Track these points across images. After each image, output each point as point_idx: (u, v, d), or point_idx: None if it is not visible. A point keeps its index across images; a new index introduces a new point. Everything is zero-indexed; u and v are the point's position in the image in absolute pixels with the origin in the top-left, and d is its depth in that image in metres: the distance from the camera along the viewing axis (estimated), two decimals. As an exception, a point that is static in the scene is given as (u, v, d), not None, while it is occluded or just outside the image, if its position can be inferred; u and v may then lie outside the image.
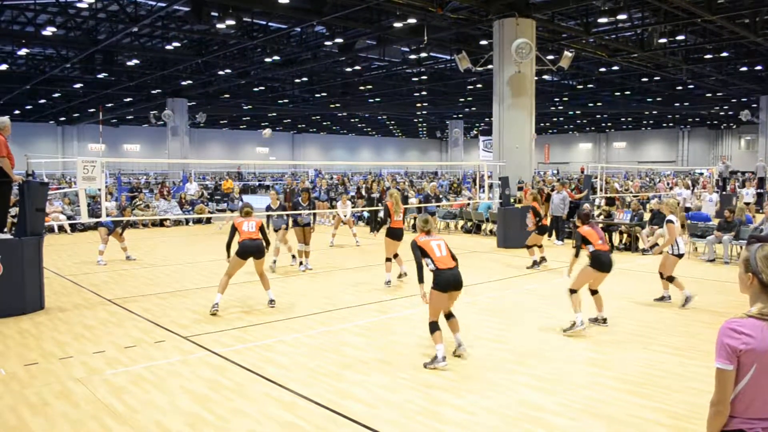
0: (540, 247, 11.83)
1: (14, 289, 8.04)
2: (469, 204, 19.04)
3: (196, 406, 4.90)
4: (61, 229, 18.83)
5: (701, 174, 35.72)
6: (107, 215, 12.85)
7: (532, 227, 11.70)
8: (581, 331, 6.92)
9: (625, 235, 14.24)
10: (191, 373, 5.71)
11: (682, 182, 25.44)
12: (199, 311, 8.28)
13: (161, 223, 20.76)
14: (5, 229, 8.59)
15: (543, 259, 11.83)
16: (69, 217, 18.94)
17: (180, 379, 5.54)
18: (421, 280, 5.90)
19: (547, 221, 13.25)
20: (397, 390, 5.16)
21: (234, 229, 8.14)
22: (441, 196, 20.97)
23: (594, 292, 7.26)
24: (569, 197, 15.84)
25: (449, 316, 6.06)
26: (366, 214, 19.64)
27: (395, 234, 9.91)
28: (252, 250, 8.05)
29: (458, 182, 29.24)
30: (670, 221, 8.15)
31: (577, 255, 7.17)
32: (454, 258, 5.96)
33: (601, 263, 6.99)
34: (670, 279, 8.39)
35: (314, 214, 12.61)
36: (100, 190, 11.41)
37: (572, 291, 7.08)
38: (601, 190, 17.61)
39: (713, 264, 12.20)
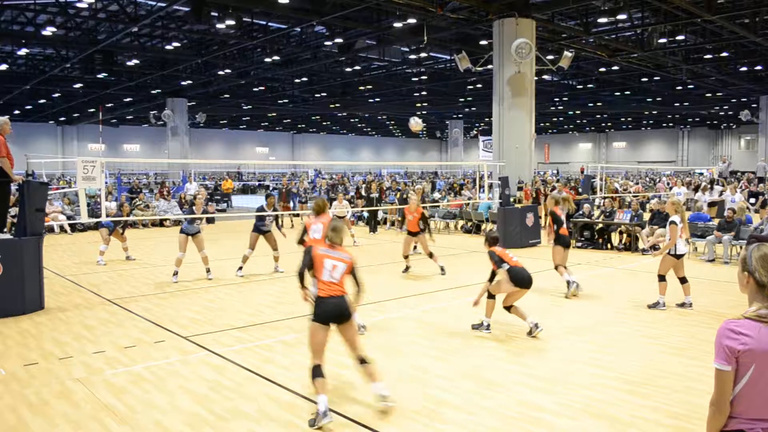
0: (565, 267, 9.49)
1: (14, 289, 8.03)
2: (468, 204, 19.04)
3: (195, 406, 4.90)
4: (62, 229, 18.83)
5: (701, 174, 35.67)
6: (107, 215, 12.86)
7: (549, 237, 9.63)
8: (485, 334, 6.97)
9: (625, 235, 14.22)
10: (191, 373, 5.71)
11: (682, 182, 25.44)
12: (199, 311, 8.28)
13: (161, 223, 20.79)
14: (5, 229, 8.59)
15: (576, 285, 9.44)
16: (69, 217, 18.93)
17: (179, 379, 5.54)
18: (300, 280, 5.16)
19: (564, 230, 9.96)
20: (396, 390, 5.15)
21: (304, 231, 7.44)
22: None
23: (509, 308, 6.94)
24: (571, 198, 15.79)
25: (362, 361, 4.82)
26: (365, 214, 19.63)
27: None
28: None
29: (459, 183, 29.21)
30: (674, 222, 7.98)
31: (491, 279, 6.95)
32: (354, 284, 4.89)
33: (520, 279, 6.73)
34: (683, 280, 8.22)
35: (276, 217, 12.47)
36: (100, 190, 11.40)
37: (490, 296, 6.99)
38: (600, 190, 17.62)
39: (713, 264, 12.19)
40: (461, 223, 19.17)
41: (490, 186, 17.05)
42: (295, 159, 64.84)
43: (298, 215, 20.33)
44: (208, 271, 10.73)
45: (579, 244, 14.49)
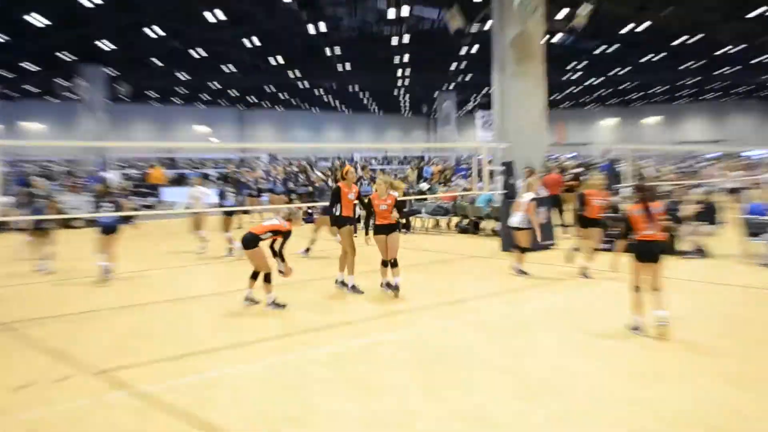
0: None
1: None
2: (463, 196, 19.03)
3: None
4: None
5: (753, 157, 36.11)
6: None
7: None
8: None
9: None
10: (104, 421, 5.51)
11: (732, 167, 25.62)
12: (118, 336, 8.10)
13: (68, 224, 19.84)
14: None
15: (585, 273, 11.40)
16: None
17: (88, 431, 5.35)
18: None
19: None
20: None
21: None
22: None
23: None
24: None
25: None
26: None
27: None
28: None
29: (453, 169, 29.29)
30: None
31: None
32: None
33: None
34: None
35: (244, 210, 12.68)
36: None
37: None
38: (630, 178, 17.61)
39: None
40: (455, 220, 19.14)
41: (491, 173, 16.96)
42: (244, 141, 64.77)
43: (247, 212, 20.23)
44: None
45: (604, 246, 14.34)
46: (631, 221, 7.83)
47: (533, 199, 11.90)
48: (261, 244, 9.26)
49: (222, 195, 15.81)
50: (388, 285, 10.23)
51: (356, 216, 11.47)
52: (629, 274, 7.94)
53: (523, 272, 11.80)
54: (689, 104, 64.42)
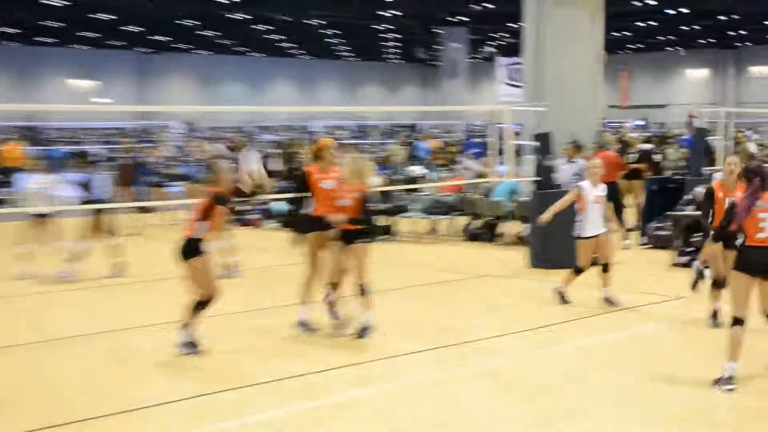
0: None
1: None
2: (474, 186, 19.00)
3: None
4: None
5: None
6: None
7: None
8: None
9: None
10: None
11: None
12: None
13: None
14: None
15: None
16: None
17: None
18: None
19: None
20: None
21: None
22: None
23: None
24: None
25: None
26: (279, 207, 19.33)
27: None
28: None
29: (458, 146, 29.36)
30: None
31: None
32: None
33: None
34: None
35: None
36: None
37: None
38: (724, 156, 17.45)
39: None
40: (462, 221, 19.16)
41: (518, 151, 16.87)
42: (146, 102, 64.75)
43: (149, 210, 20.20)
44: None
45: (684, 259, 14.44)
46: (738, 219, 7.84)
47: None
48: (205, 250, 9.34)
49: (87, 185, 15.11)
50: (361, 328, 10.15)
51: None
52: (731, 297, 7.96)
53: (564, 299, 11.84)
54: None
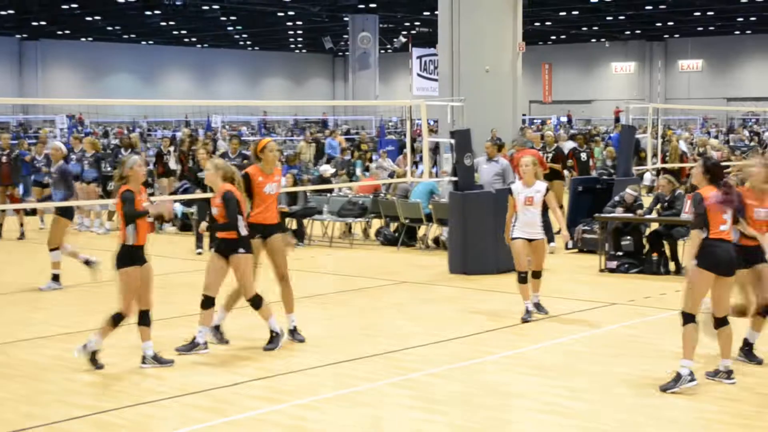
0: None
1: None
2: (389, 186, 19.12)
3: None
4: None
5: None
6: None
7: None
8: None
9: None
10: None
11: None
12: None
13: None
14: None
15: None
16: None
17: None
18: None
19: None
20: None
21: None
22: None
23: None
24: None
25: None
26: (181, 209, 18.73)
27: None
28: None
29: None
30: None
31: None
32: None
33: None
34: None
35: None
36: None
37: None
38: (655, 155, 17.78)
39: None
40: (377, 224, 19.32)
41: (435, 150, 16.51)
42: (26, 93, 63.88)
43: (34, 212, 19.98)
44: None
45: (613, 264, 14.80)
46: (709, 212, 8.05)
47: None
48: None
49: None
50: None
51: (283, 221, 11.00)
52: (689, 293, 8.14)
53: (539, 309, 11.88)
54: (750, 38, 65.57)
